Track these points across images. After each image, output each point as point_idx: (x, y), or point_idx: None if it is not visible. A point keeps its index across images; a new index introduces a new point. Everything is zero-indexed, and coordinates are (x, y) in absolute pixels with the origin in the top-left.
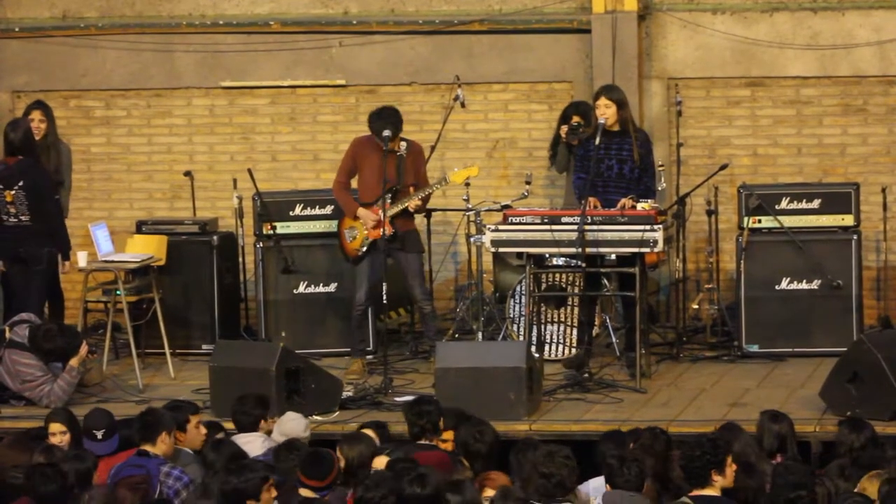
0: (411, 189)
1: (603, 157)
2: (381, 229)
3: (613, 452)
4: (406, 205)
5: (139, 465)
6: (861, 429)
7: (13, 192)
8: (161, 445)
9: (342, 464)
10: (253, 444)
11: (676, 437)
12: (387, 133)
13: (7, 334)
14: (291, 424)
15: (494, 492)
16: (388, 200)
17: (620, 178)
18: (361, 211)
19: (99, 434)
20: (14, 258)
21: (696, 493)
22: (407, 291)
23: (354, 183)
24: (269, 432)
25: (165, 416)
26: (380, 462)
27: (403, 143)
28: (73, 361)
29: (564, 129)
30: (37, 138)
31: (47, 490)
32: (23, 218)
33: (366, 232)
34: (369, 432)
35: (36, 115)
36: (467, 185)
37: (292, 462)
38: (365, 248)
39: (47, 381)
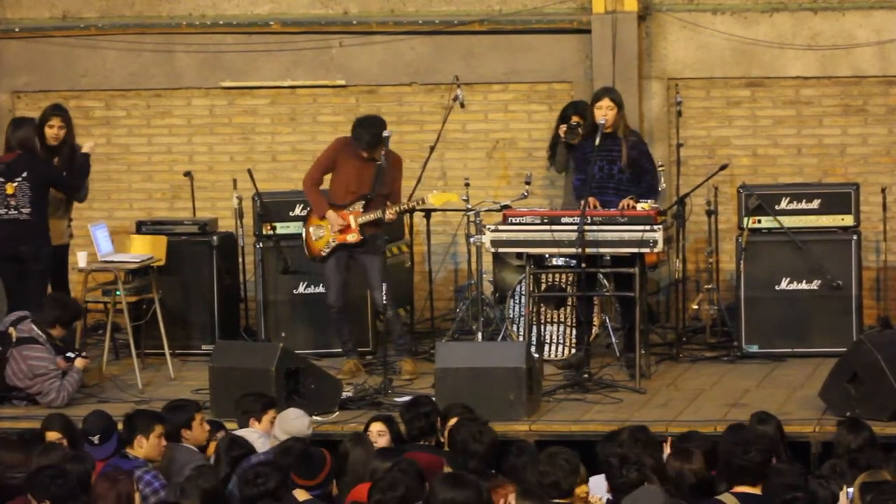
0: (388, 204)
1: (596, 157)
2: (348, 234)
3: (613, 452)
4: (379, 216)
5: (116, 466)
6: (859, 430)
7: (15, 184)
8: (139, 449)
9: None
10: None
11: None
12: (387, 134)
13: (13, 334)
14: (295, 423)
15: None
16: (360, 208)
17: (610, 178)
18: (330, 213)
19: (95, 439)
20: (10, 257)
21: (739, 489)
22: (371, 294)
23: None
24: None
25: (144, 418)
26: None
27: (383, 152)
28: (78, 363)
29: (563, 128)
30: (55, 143)
31: (57, 492)
32: (23, 211)
33: (332, 234)
34: (379, 425)
35: (56, 122)
36: (467, 184)
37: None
38: (328, 250)
39: (58, 376)
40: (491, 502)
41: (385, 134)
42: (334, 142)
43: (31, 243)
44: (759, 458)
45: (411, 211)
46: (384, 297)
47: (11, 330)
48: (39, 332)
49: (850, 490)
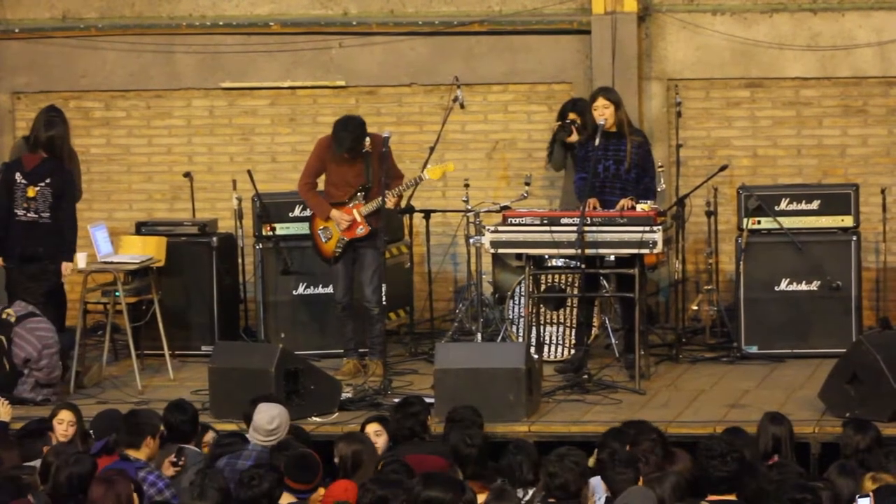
0: (387, 192)
1: (601, 157)
2: (356, 229)
3: (608, 449)
4: (381, 204)
5: (119, 469)
6: (866, 430)
7: (38, 188)
8: (145, 450)
9: (337, 461)
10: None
11: (676, 437)
12: (387, 134)
13: (11, 317)
14: (256, 417)
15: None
16: (362, 199)
17: (616, 178)
18: (334, 213)
19: None
20: (24, 257)
21: (714, 497)
22: (359, 288)
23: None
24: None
25: (152, 419)
26: None
27: (367, 139)
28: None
29: (556, 125)
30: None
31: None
32: (43, 215)
33: (340, 233)
34: (375, 426)
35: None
36: (466, 185)
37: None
38: (341, 249)
39: (59, 351)
40: (474, 502)
41: (385, 135)
42: (318, 143)
43: (47, 245)
44: (735, 467)
45: (410, 211)
46: (374, 295)
47: (9, 311)
48: (34, 307)
49: (860, 499)
